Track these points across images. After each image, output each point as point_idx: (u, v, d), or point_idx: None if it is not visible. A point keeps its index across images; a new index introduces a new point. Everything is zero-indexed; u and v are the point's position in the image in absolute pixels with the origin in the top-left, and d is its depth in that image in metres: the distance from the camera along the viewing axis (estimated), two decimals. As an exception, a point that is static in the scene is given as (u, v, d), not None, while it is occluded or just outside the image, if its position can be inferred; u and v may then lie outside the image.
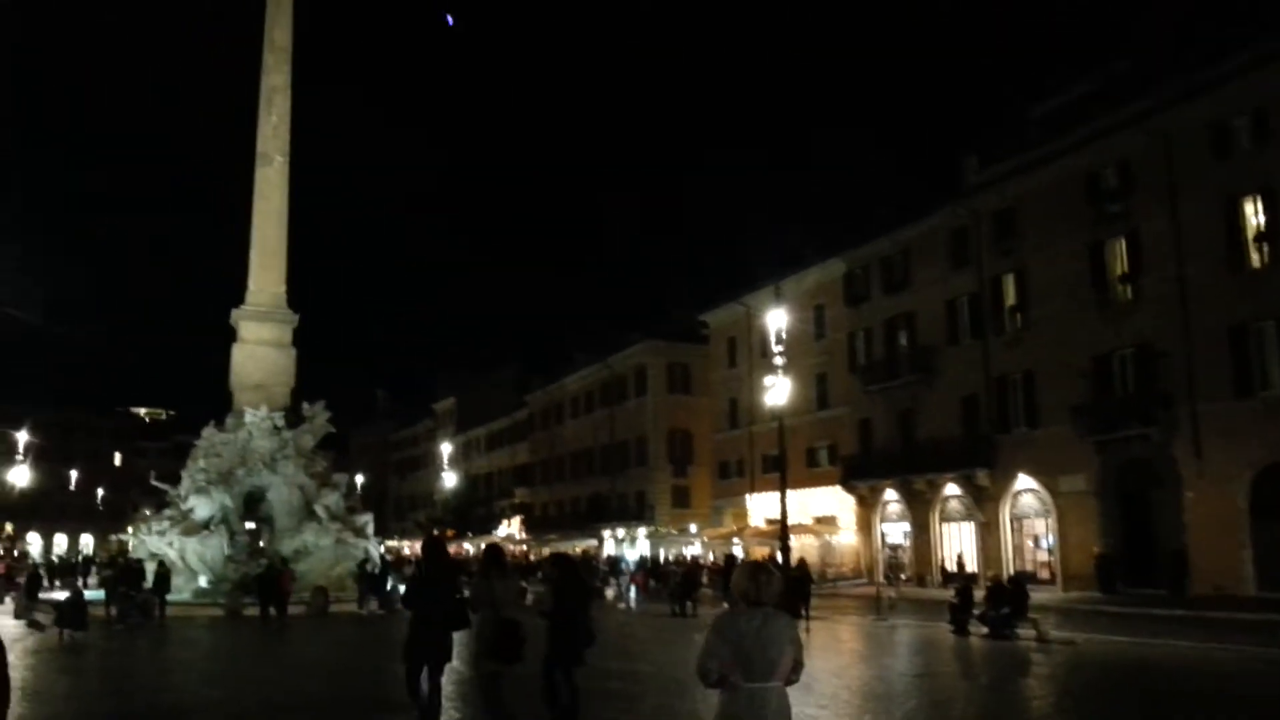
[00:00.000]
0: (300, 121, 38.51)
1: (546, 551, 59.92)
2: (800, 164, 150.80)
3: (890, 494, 41.63)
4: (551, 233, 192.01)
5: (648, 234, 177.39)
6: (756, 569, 4.84)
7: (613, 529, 60.05)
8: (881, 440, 41.86)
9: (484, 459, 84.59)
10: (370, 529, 34.65)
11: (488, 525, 74.51)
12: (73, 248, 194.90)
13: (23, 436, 73.87)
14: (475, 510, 77.46)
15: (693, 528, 53.09)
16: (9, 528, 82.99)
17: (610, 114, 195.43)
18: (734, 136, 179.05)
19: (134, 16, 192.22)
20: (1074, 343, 33.07)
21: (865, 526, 43.09)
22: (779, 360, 26.77)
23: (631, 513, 58.41)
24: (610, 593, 36.29)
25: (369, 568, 30.80)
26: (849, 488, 42.80)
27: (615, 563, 46.18)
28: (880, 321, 42.34)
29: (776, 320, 27.44)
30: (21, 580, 32.88)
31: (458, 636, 9.49)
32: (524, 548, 64.22)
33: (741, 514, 49.34)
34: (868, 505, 42.76)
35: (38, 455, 79.23)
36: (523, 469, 76.81)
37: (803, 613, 24.19)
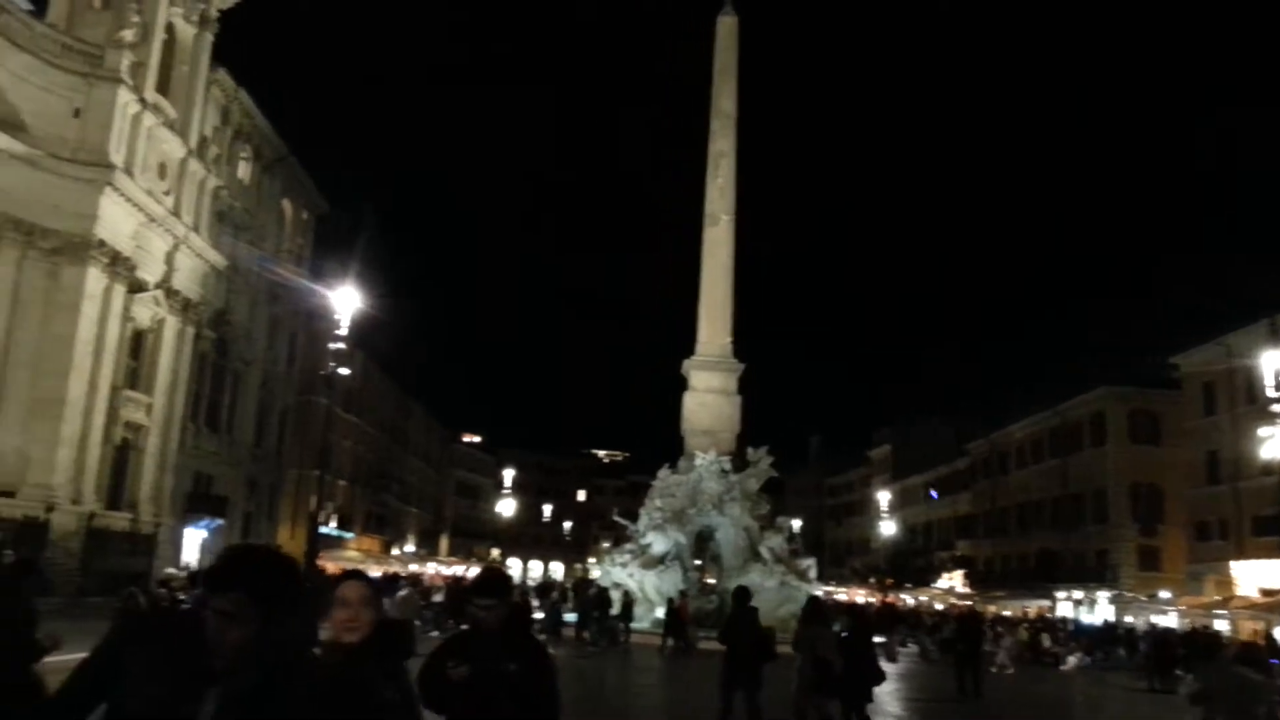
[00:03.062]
0: (744, 182, 40.62)
1: (992, 609, 56.73)
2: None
3: None
4: (995, 275, 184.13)
5: (1099, 278, 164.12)
6: (1248, 644, 7.59)
7: (1068, 590, 55.40)
8: None
9: (922, 508, 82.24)
10: (813, 573, 35.02)
11: (926, 577, 72.06)
12: (549, 311, 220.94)
13: (509, 474, 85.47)
14: (913, 561, 75.33)
15: (1164, 594, 47.50)
16: (495, 553, 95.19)
17: (1041, 151, 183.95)
18: (1203, 152, 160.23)
19: (605, 89, 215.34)
20: None
21: (1395, 607, 35.77)
22: (1277, 407, 23.30)
23: (1090, 573, 53.49)
24: (1073, 660, 33.46)
25: (812, 612, 31.06)
26: (1371, 559, 35.91)
27: (1076, 627, 42.53)
28: None
29: (1272, 361, 23.96)
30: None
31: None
32: (968, 603, 61.25)
33: (1226, 581, 43.21)
34: (1399, 581, 35.55)
35: (520, 490, 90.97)
36: (964, 520, 73.56)
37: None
